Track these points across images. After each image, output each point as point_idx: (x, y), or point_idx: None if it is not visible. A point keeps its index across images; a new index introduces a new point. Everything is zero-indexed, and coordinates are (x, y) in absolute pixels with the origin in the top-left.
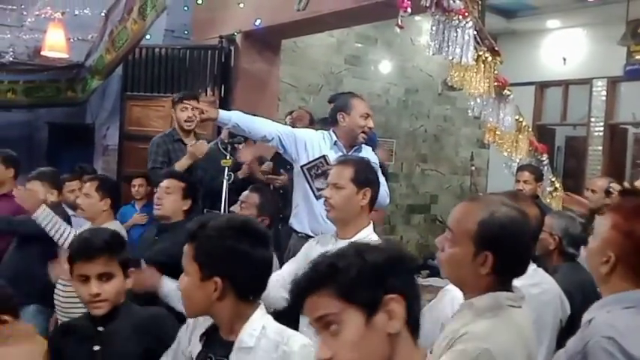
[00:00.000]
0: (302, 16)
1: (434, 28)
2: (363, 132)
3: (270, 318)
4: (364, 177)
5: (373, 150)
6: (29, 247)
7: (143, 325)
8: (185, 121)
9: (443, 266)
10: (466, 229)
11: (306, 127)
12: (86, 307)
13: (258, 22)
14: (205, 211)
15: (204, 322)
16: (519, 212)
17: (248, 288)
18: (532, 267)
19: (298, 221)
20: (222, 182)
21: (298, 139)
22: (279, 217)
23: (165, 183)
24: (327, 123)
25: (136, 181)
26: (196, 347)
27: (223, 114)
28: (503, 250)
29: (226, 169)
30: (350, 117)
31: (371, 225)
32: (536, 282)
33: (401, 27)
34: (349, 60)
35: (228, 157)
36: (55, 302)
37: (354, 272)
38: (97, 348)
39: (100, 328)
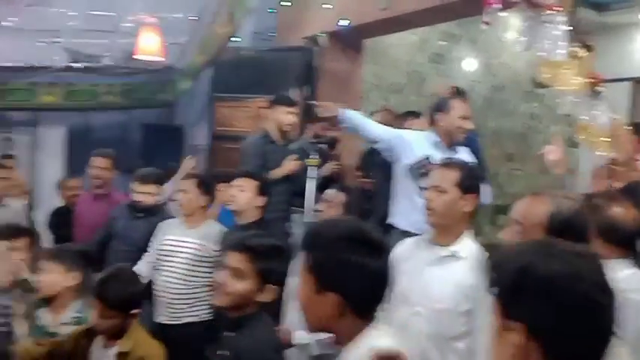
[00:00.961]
0: (385, 15)
1: (524, 23)
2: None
3: (386, 337)
4: (470, 182)
5: (474, 151)
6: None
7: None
8: (287, 124)
9: None
10: (537, 221)
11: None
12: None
13: (342, 22)
14: (290, 209)
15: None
16: (581, 205)
17: (365, 303)
18: (631, 270)
19: (401, 219)
20: (307, 181)
21: (405, 140)
22: (364, 218)
23: (238, 181)
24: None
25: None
26: None
27: (342, 112)
28: (575, 240)
29: (312, 168)
30: (448, 117)
31: (471, 232)
32: (637, 287)
33: (488, 23)
34: (432, 58)
35: (314, 157)
36: (160, 296)
37: None
38: (226, 353)
39: (231, 334)
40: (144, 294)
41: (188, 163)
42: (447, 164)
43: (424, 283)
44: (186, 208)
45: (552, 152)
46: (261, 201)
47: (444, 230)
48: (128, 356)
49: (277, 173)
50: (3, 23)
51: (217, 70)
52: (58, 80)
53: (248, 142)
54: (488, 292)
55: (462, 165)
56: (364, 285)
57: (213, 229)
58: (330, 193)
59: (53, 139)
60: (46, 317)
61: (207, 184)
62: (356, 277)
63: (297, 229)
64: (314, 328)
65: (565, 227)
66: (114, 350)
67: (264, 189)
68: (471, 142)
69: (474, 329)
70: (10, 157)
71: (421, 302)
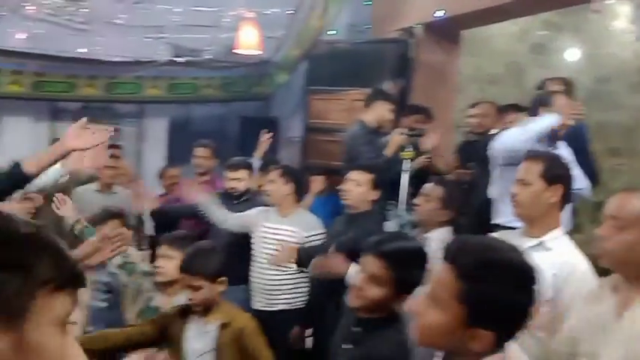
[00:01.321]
0: (485, 5)
1: (636, 11)
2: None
3: None
4: (555, 173)
5: (582, 143)
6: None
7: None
8: (387, 119)
9: (610, 254)
10: (632, 217)
11: (494, 123)
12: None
13: (438, 13)
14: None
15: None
16: None
17: (510, 337)
18: None
19: (505, 213)
20: (401, 173)
21: None
22: (462, 211)
23: (353, 175)
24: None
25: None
26: None
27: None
28: None
29: (406, 161)
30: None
31: (562, 226)
32: None
33: (598, 11)
34: (533, 48)
35: (409, 149)
36: (254, 282)
37: None
38: (348, 346)
39: (354, 329)
40: (226, 264)
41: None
42: (532, 157)
43: None
44: (273, 198)
45: None
46: (375, 195)
47: (532, 222)
48: (229, 327)
49: (389, 151)
50: (114, 21)
51: (312, 63)
52: (162, 74)
53: (353, 134)
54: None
55: (546, 157)
56: (520, 323)
57: (306, 217)
58: (428, 187)
59: (157, 130)
60: (159, 300)
61: (291, 174)
62: (517, 318)
63: (391, 223)
64: (425, 345)
65: None
66: (213, 324)
67: (378, 182)
68: (579, 134)
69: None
70: (117, 147)
71: None
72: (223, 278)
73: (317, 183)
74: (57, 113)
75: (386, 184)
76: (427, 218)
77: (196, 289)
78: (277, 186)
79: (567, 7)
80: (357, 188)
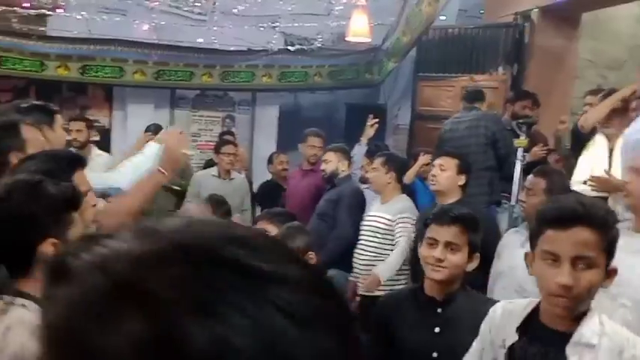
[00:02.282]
0: None
1: None
2: None
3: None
4: None
5: None
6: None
7: (483, 313)
8: (523, 116)
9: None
10: None
11: None
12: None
13: None
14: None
15: (520, 311)
16: None
17: None
18: None
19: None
20: (515, 164)
21: None
22: None
23: (438, 160)
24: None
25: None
26: (511, 337)
27: None
28: None
29: (520, 150)
30: None
31: None
32: None
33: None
34: None
35: (522, 137)
36: (354, 268)
37: None
38: (437, 330)
39: (439, 310)
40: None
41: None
42: None
43: (627, 274)
44: (375, 186)
45: None
46: (462, 180)
47: None
48: None
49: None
50: (232, 11)
51: (421, 50)
52: (274, 62)
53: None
54: None
55: None
56: None
57: (399, 203)
58: (530, 179)
59: (268, 118)
60: None
61: (394, 162)
62: None
63: (501, 216)
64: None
65: None
66: None
67: (464, 167)
68: None
69: None
70: (231, 133)
71: (626, 293)
72: (312, 254)
73: (424, 158)
74: (176, 100)
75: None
76: (531, 212)
77: None
78: (379, 174)
79: None
80: (444, 173)
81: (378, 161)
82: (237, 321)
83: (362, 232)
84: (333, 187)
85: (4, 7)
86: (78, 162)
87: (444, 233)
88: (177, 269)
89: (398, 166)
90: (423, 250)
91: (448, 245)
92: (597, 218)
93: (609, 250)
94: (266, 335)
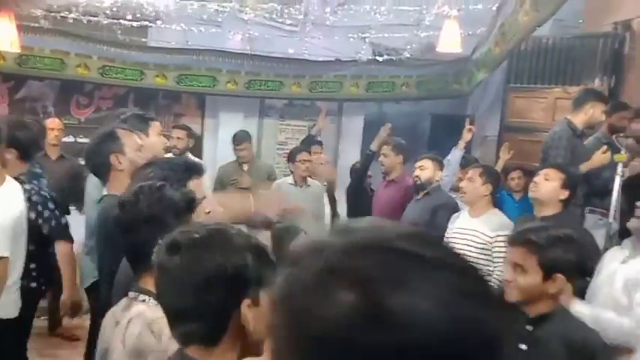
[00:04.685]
0: None
1: None
2: None
3: None
4: None
5: None
6: None
7: (574, 341)
8: (599, 121)
9: None
10: None
11: None
12: None
13: None
14: (589, 209)
15: None
16: None
17: None
18: None
19: None
20: (614, 179)
21: None
22: None
23: (546, 170)
24: None
25: (514, 174)
26: None
27: None
28: None
29: (619, 165)
30: None
31: None
32: None
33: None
34: None
35: (622, 152)
36: None
37: None
38: (523, 347)
39: (529, 328)
40: None
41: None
42: None
43: None
44: (468, 197)
45: None
46: (564, 194)
47: None
48: None
49: (587, 166)
50: (323, 22)
51: (513, 60)
52: (362, 73)
53: (556, 135)
54: None
55: None
56: None
57: (496, 217)
58: None
59: (354, 127)
60: None
61: (491, 175)
62: None
63: (594, 230)
64: None
65: None
66: None
67: (570, 183)
68: None
69: None
70: (319, 142)
71: None
72: None
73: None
74: (264, 110)
75: (590, 191)
76: None
77: None
78: (475, 185)
79: None
80: (547, 183)
81: (474, 172)
82: (424, 291)
83: (454, 245)
84: (426, 195)
85: (110, 20)
86: (194, 170)
87: (513, 254)
88: (372, 256)
89: (495, 179)
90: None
91: (517, 267)
92: None
93: None
94: (443, 302)
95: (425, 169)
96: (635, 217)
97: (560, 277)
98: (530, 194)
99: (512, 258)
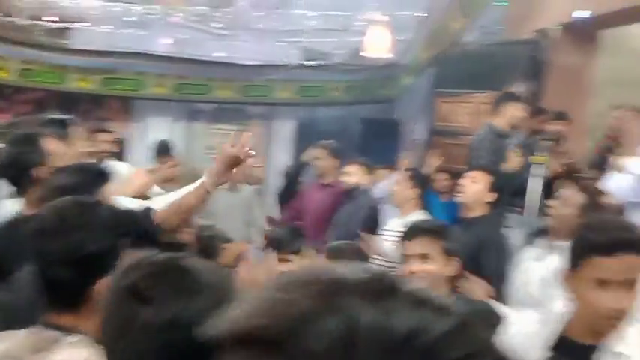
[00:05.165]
0: (629, 3)
1: None
2: None
3: None
4: None
5: None
6: None
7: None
8: (520, 119)
9: None
10: None
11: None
12: None
13: (577, 13)
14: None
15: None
16: None
17: None
18: None
19: None
20: (529, 180)
21: None
22: None
23: (472, 173)
24: None
25: (441, 176)
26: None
27: None
28: None
29: (538, 166)
30: None
31: None
32: None
33: None
34: None
35: (541, 154)
36: None
37: None
38: None
39: None
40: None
41: (404, 162)
42: None
43: None
44: (397, 200)
45: None
46: (490, 197)
47: None
48: None
49: (504, 168)
50: (252, 26)
51: (439, 65)
52: (292, 77)
53: (479, 138)
54: None
55: None
56: None
57: (422, 218)
58: (567, 193)
59: (284, 132)
60: None
61: (419, 179)
62: None
63: (514, 229)
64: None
65: None
66: None
67: (496, 186)
68: None
69: None
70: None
71: None
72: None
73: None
74: (193, 114)
75: (509, 192)
76: (560, 226)
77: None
78: (403, 189)
79: None
80: (473, 186)
81: (403, 175)
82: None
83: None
84: (353, 200)
85: (30, 21)
86: (106, 176)
87: (415, 247)
88: (351, 292)
89: (423, 183)
90: (400, 271)
91: (421, 257)
92: None
93: None
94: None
95: (352, 175)
96: (549, 215)
97: (453, 259)
98: (457, 197)
99: (416, 249)
